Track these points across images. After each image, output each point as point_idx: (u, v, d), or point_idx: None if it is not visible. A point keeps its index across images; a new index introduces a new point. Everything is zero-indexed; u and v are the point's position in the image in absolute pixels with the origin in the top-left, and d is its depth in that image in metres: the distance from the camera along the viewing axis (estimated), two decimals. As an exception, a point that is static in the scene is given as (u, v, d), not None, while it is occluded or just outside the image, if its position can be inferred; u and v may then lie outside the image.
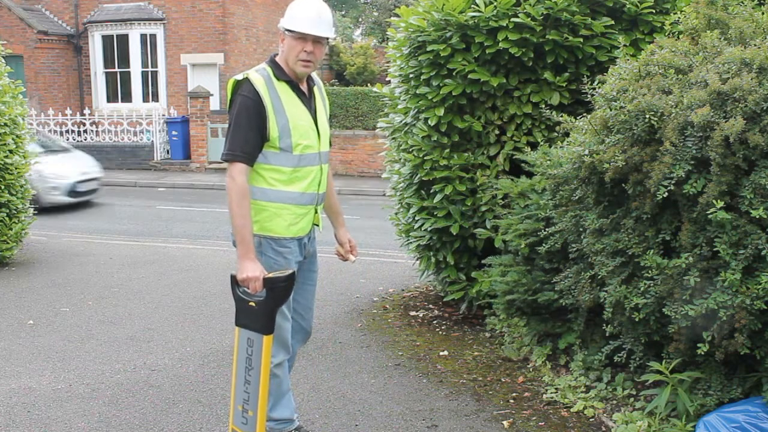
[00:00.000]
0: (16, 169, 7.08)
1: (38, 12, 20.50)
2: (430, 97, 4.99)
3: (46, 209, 11.06)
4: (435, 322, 5.44)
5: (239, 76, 3.08)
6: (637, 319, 3.27)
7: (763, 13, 3.57)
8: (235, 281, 3.04)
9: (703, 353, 3.02)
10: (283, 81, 3.10)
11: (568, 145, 3.85)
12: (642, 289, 3.21)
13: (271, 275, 3.02)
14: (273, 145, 3.06)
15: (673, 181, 3.01)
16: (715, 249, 2.98)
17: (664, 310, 3.12)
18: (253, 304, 3.01)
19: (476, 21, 4.72)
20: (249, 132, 3.01)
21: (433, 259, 5.32)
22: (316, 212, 3.26)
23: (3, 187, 6.98)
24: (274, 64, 3.14)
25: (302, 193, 3.14)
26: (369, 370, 4.48)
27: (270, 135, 3.04)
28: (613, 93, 3.41)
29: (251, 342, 3.05)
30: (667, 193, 3.03)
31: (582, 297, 3.66)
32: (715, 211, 2.87)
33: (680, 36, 3.78)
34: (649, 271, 3.18)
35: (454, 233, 5.00)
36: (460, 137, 5.04)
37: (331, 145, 3.40)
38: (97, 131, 18.96)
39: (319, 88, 3.31)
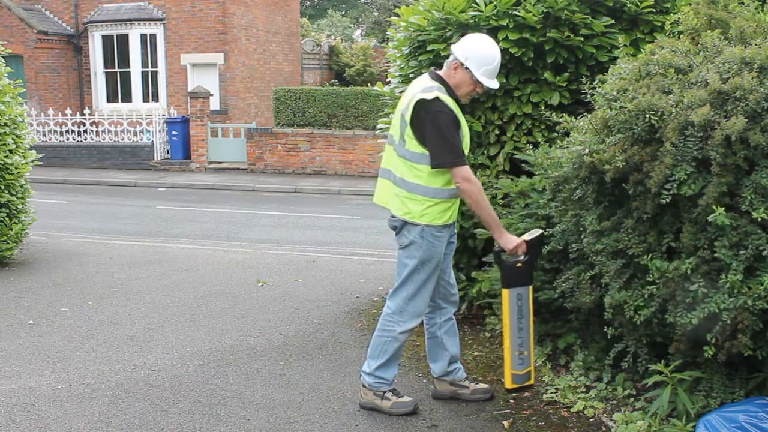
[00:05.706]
0: (16, 169, 7.07)
1: (38, 12, 20.51)
2: (430, 97, 4.99)
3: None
4: (435, 322, 5.42)
5: (427, 96, 3.54)
6: (638, 322, 3.27)
7: (764, 13, 3.57)
8: (498, 255, 3.75)
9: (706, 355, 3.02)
10: (453, 98, 3.66)
11: (568, 144, 3.85)
12: (645, 294, 3.21)
13: (529, 238, 3.72)
14: None
15: (675, 184, 3.00)
16: (716, 249, 2.98)
17: (666, 315, 3.12)
18: (520, 264, 3.72)
19: (476, 20, 4.71)
20: (456, 140, 3.57)
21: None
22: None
23: (3, 187, 6.97)
24: (443, 83, 3.66)
25: (453, 188, 3.67)
26: (369, 370, 4.47)
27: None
28: (614, 92, 3.41)
29: (520, 296, 3.74)
30: (670, 197, 3.02)
31: (583, 299, 3.66)
32: (716, 216, 2.87)
33: (680, 36, 3.77)
34: (651, 275, 3.18)
35: (454, 233, 4.99)
36: (460, 137, 5.04)
37: None
38: (97, 131, 18.96)
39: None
